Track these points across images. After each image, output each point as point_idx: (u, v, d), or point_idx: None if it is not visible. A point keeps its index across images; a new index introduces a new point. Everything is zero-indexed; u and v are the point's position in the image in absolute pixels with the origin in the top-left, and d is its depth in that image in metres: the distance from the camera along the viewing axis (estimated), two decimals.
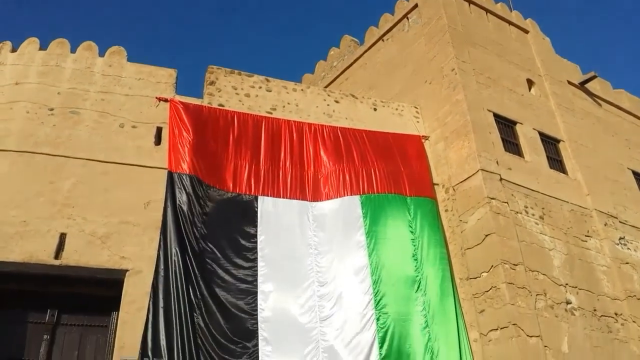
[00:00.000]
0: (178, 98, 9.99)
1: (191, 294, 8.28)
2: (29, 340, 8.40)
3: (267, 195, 9.71)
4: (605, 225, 12.06)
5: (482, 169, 10.54)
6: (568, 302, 10.16)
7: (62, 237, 8.40)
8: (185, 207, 8.82)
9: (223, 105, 10.46)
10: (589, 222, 11.90)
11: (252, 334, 8.43)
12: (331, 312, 8.94)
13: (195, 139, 9.47)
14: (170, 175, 9.05)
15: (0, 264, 8.02)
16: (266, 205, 9.58)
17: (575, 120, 13.81)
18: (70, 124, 9.29)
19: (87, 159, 9.04)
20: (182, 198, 8.89)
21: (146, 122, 9.72)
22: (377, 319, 9.08)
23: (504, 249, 9.78)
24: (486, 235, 9.98)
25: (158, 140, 9.64)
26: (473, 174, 10.62)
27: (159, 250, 8.43)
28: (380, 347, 8.88)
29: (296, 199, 9.89)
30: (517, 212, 10.62)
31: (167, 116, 9.70)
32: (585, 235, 11.57)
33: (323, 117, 11.40)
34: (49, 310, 8.60)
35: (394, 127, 11.89)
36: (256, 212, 9.47)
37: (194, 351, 7.91)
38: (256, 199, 9.61)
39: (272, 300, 8.75)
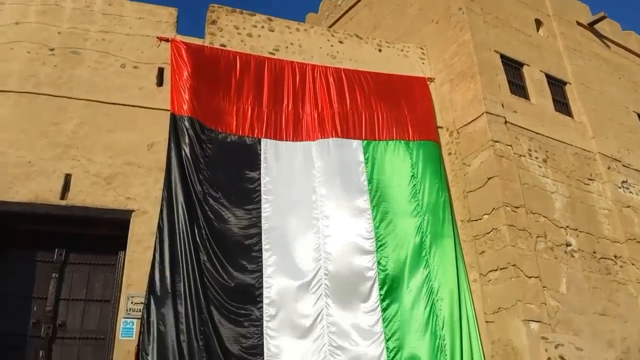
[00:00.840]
0: (179, 38, 9.83)
1: (196, 234, 8.40)
2: (38, 278, 8.60)
3: (270, 138, 9.69)
4: (608, 168, 12.06)
5: (487, 112, 10.47)
6: (568, 245, 10.30)
7: (67, 177, 8.46)
8: (188, 150, 8.83)
9: (225, 46, 10.30)
10: (592, 165, 11.91)
11: (256, 271, 8.58)
12: (333, 254, 9.06)
13: (197, 80, 9.38)
14: (173, 118, 9.01)
15: (7, 204, 8.12)
16: (269, 148, 9.58)
17: (582, 62, 13.59)
18: (72, 65, 9.19)
19: (89, 100, 9.00)
20: (184, 141, 8.88)
21: (147, 62, 9.61)
22: (379, 262, 9.23)
23: (506, 192, 9.83)
24: (489, 178, 10.01)
25: (160, 81, 9.55)
26: (478, 117, 10.55)
27: (163, 192, 8.50)
28: (381, 289, 9.06)
29: (299, 141, 9.88)
30: (521, 155, 10.62)
31: (169, 56, 9.58)
32: (588, 179, 11.60)
33: (327, 58, 11.24)
34: (56, 250, 8.76)
35: (399, 68, 11.73)
36: (259, 154, 9.48)
37: (200, 290, 8.09)
38: (259, 141, 9.60)
39: (275, 241, 8.87)
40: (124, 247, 8.48)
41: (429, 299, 9.17)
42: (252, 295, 8.44)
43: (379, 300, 8.98)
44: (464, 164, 10.65)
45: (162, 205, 8.40)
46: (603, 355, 9.16)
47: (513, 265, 9.23)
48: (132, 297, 8.05)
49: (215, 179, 8.92)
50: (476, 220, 10.08)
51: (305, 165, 9.69)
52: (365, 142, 10.24)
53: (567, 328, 9.31)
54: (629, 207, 11.87)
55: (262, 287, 8.51)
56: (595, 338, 9.57)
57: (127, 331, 7.93)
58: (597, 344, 9.44)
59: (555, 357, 8.58)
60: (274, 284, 8.57)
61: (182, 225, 8.34)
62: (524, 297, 9.01)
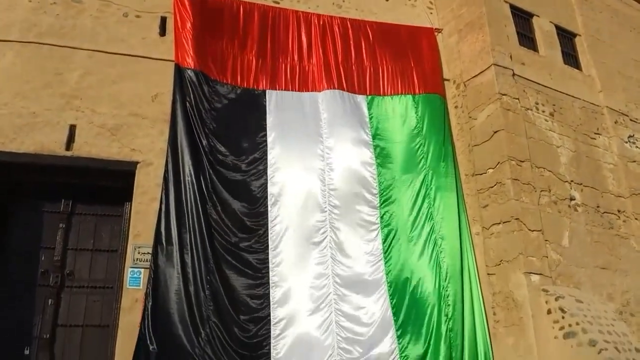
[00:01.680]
0: None
1: (202, 186, 8.43)
2: (46, 229, 8.69)
3: (276, 89, 9.61)
4: (615, 122, 11.97)
5: (494, 64, 10.32)
6: (572, 199, 10.31)
7: (72, 128, 8.43)
8: (193, 102, 8.77)
9: None
10: (599, 119, 11.80)
11: (262, 215, 8.67)
12: (338, 204, 9.12)
13: (200, 31, 9.22)
14: (178, 69, 8.90)
15: (12, 155, 8.13)
16: (275, 99, 9.51)
17: (593, 13, 13.29)
18: (74, 14, 9.03)
19: (92, 50, 8.88)
20: (189, 93, 8.81)
21: (150, 11, 9.43)
22: (382, 217, 9.28)
23: (512, 146, 9.79)
24: (494, 132, 9.96)
25: (163, 31, 9.40)
26: (485, 69, 10.40)
27: (168, 144, 8.49)
28: (384, 242, 9.14)
29: (305, 92, 9.79)
30: (528, 109, 10.52)
31: (171, 5, 9.40)
32: (595, 133, 11.53)
33: (332, 7, 11.01)
34: (63, 200, 8.82)
35: (407, 18, 11.50)
36: (265, 106, 9.41)
37: (206, 240, 8.18)
38: (264, 93, 9.52)
39: (280, 189, 8.90)
40: (129, 198, 8.53)
41: (432, 252, 9.26)
42: (257, 240, 8.52)
43: (382, 253, 9.07)
44: (470, 117, 10.57)
45: (167, 157, 8.40)
46: (603, 307, 9.30)
47: (516, 219, 9.27)
48: (138, 247, 8.14)
49: (221, 132, 8.89)
50: (481, 174, 10.07)
51: (311, 115, 9.64)
52: (369, 97, 10.15)
53: (568, 281, 9.43)
54: (634, 161, 11.82)
55: (267, 232, 8.58)
56: (595, 291, 9.70)
57: (134, 280, 8.06)
58: (597, 297, 9.58)
59: (555, 308, 8.72)
60: (279, 230, 8.66)
61: (187, 177, 8.37)
62: (525, 250, 9.09)
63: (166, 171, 8.33)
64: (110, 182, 8.73)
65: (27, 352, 8.05)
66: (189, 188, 8.33)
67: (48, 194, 8.73)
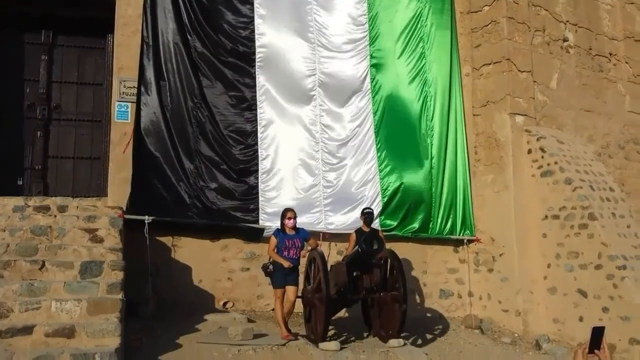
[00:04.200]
0: None
1: (184, 17, 8.11)
2: (28, 61, 8.52)
3: None
4: None
5: None
6: (565, 40, 10.11)
7: None
8: None
9: None
10: None
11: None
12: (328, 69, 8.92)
13: None
14: None
15: None
16: None
17: None
18: None
19: None
20: None
21: None
22: (371, 55, 9.11)
23: None
24: None
25: None
26: None
27: None
28: (372, 81, 9.08)
29: None
30: None
31: None
32: None
33: None
34: (43, 31, 8.56)
35: None
36: None
37: (191, 74, 8.07)
38: None
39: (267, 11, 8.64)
40: (111, 30, 8.25)
41: (422, 91, 9.27)
42: (246, 62, 8.43)
43: (370, 93, 9.05)
44: None
45: None
46: (583, 148, 9.54)
47: (507, 59, 9.17)
48: (124, 80, 8.03)
49: None
50: (476, 12, 9.76)
51: None
52: None
53: (551, 122, 9.57)
54: (632, 3, 11.44)
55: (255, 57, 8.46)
56: (577, 133, 9.89)
57: (122, 114, 8.06)
58: (578, 138, 9.79)
59: (536, 148, 8.95)
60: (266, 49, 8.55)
61: (167, 4, 8.03)
62: (513, 91, 9.11)
63: (145, 1, 7.96)
64: (92, 12, 8.37)
65: (20, 182, 8.28)
66: (171, 18, 8.03)
67: (28, 24, 8.43)
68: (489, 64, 9.42)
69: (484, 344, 7.83)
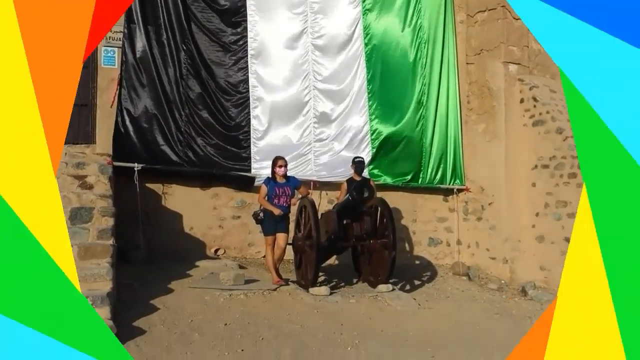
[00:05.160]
0: None
1: None
2: None
3: None
4: None
5: None
6: None
7: None
8: None
9: None
10: None
11: None
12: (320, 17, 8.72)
13: None
14: None
15: None
16: None
17: None
18: None
19: None
20: None
21: None
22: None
23: None
24: None
25: None
26: None
27: None
28: (365, 27, 8.91)
29: None
30: None
31: None
32: None
33: None
34: None
35: None
36: None
37: (183, 18, 7.92)
38: None
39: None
40: None
41: (416, 37, 9.12)
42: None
43: (362, 38, 8.90)
44: None
45: None
46: None
47: (502, 6, 9.00)
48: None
49: None
50: None
51: None
52: None
53: (545, 71, 9.48)
54: None
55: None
56: None
57: (108, 59, 7.91)
58: None
59: (528, 97, 8.90)
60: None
61: None
62: (507, 40, 8.99)
63: None
64: None
65: None
66: None
67: None
68: (484, 10, 9.26)
69: (471, 290, 7.97)
